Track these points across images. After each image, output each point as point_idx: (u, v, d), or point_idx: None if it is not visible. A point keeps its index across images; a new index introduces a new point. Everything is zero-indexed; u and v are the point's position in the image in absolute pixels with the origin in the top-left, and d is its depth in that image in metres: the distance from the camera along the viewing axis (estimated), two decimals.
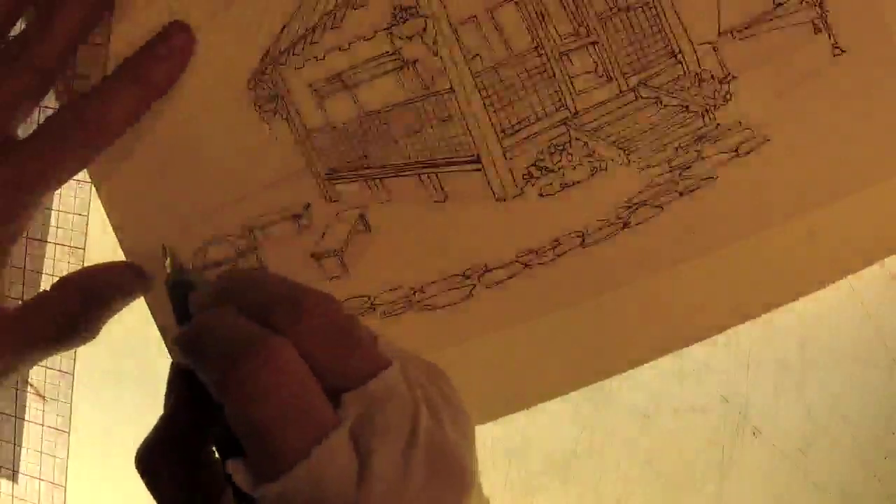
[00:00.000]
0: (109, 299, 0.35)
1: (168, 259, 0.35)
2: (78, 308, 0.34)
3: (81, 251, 0.41)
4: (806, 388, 0.39)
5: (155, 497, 0.30)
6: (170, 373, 0.31)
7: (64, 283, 0.35)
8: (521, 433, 0.42)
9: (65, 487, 0.44)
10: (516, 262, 0.35)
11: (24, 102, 0.34)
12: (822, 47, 0.33)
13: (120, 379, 0.45)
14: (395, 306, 0.36)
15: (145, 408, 0.45)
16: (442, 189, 0.35)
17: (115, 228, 0.37)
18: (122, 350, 0.44)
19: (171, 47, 0.34)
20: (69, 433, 0.44)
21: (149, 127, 0.36)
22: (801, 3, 0.33)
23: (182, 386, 0.30)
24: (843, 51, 0.33)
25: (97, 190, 0.37)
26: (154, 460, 0.30)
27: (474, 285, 0.36)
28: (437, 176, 0.35)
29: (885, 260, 0.36)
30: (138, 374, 0.45)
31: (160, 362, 0.44)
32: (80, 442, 0.45)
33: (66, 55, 0.34)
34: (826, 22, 0.33)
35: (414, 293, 0.36)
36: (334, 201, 0.36)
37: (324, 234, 0.36)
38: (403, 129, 0.35)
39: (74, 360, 0.43)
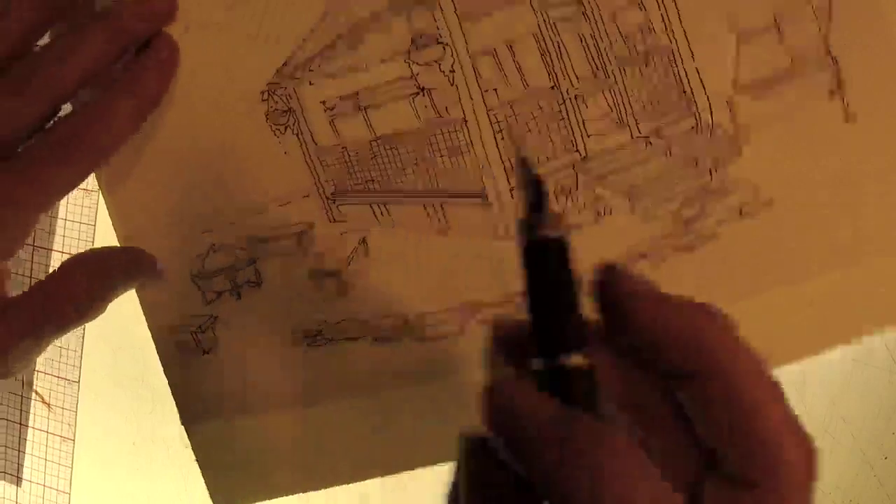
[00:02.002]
0: (113, 279, 0.34)
1: (528, 194, 0.23)
2: (84, 286, 0.33)
3: None
4: (806, 388, 0.39)
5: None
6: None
7: (67, 265, 0.34)
8: None
9: (69, 494, 0.44)
10: (512, 302, 0.35)
11: (31, 129, 0.33)
12: (835, 112, 0.33)
13: (125, 387, 0.45)
14: (387, 333, 0.36)
15: (150, 416, 0.45)
16: (445, 220, 0.35)
17: (122, 239, 0.37)
18: (127, 359, 0.45)
19: (158, 58, 0.34)
20: (74, 440, 0.44)
21: (159, 136, 0.35)
22: (817, 66, 0.33)
23: None
24: (855, 117, 0.33)
25: (105, 200, 0.36)
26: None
27: (468, 320, 0.36)
28: (441, 206, 0.35)
29: None
30: (144, 382, 0.45)
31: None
32: (85, 449, 0.45)
33: (83, 86, 0.33)
34: (840, 87, 0.33)
35: (407, 322, 0.36)
36: (338, 222, 0.36)
37: (324, 254, 0.36)
38: (413, 156, 0.35)
39: (80, 368, 0.43)
